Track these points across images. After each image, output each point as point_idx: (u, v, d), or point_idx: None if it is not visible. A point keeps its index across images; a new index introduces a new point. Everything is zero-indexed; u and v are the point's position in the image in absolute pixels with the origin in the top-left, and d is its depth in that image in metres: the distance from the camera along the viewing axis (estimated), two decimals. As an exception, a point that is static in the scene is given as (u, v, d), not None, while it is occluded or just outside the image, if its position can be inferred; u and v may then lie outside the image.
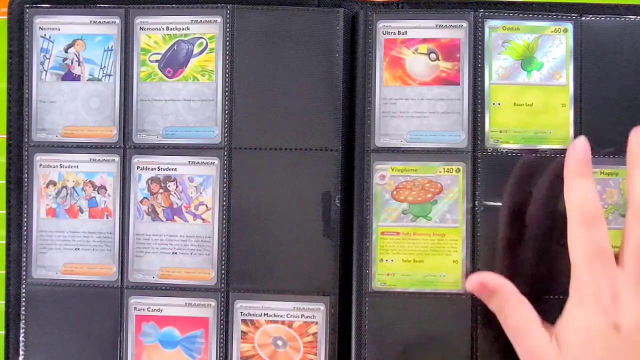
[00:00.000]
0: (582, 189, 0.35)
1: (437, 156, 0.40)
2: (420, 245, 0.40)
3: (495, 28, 0.40)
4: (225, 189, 0.41)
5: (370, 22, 0.41)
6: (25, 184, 0.42)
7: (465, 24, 0.40)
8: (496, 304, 0.37)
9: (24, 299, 0.41)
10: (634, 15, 0.40)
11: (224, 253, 0.41)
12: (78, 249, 0.42)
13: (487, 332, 0.39)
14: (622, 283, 0.33)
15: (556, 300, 0.38)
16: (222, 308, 0.41)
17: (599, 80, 0.40)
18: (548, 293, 0.39)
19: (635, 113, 0.39)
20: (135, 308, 0.41)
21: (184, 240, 0.41)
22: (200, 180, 0.41)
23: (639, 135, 0.36)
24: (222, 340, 0.41)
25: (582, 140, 0.36)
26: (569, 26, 0.40)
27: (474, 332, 0.39)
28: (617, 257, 0.34)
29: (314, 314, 0.40)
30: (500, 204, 0.40)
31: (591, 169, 0.35)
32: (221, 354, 0.41)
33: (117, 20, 0.42)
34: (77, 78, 0.42)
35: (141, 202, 0.41)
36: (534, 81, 0.40)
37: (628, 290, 0.33)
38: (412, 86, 0.40)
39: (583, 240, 0.34)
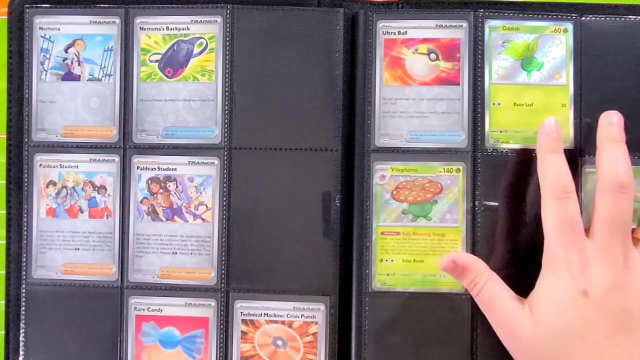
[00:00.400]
0: (553, 164, 0.36)
1: (437, 156, 0.40)
2: (420, 245, 0.40)
3: (495, 28, 0.40)
4: (225, 189, 0.41)
5: (370, 22, 0.41)
6: (25, 184, 0.42)
7: (465, 24, 0.40)
8: (468, 280, 0.38)
9: (24, 299, 0.41)
10: (634, 15, 0.40)
11: (224, 253, 0.41)
12: (78, 249, 0.42)
13: (487, 332, 0.39)
14: (591, 253, 0.35)
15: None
16: (222, 308, 0.41)
17: (599, 80, 0.40)
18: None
19: (635, 113, 0.39)
20: (135, 308, 0.41)
21: (184, 240, 0.41)
22: (200, 180, 0.41)
23: (607, 118, 0.37)
24: (222, 340, 0.41)
25: (552, 120, 0.37)
26: (569, 26, 0.40)
27: (474, 332, 0.39)
28: (587, 231, 0.36)
29: (314, 314, 0.40)
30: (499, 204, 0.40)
31: (562, 146, 0.37)
32: (221, 354, 0.41)
33: (117, 20, 0.42)
34: (77, 78, 0.42)
35: (141, 202, 0.41)
36: (534, 81, 0.40)
37: (596, 260, 0.35)
38: (412, 86, 0.40)
39: (555, 213, 0.36)
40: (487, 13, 0.40)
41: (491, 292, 0.37)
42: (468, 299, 0.39)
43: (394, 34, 0.41)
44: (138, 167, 0.41)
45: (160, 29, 0.41)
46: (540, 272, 0.37)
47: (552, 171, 0.36)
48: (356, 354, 0.40)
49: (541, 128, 0.38)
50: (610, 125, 0.37)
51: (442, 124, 0.40)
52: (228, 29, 0.41)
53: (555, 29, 0.40)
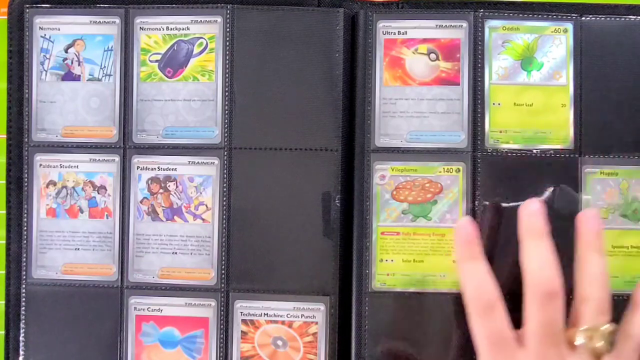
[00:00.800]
0: (473, 275, 0.35)
1: (437, 156, 0.40)
2: (420, 245, 0.40)
3: (495, 28, 0.40)
4: (225, 189, 0.41)
5: (370, 22, 0.41)
6: (25, 184, 0.42)
7: (465, 24, 0.40)
8: None
9: (24, 299, 0.41)
10: (634, 16, 0.40)
11: (224, 253, 0.41)
12: (78, 249, 0.42)
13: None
14: None
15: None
16: (222, 308, 0.41)
17: (599, 80, 0.40)
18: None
19: (634, 113, 0.39)
20: (135, 308, 0.41)
21: (184, 240, 0.41)
22: (200, 180, 0.41)
23: (528, 210, 0.35)
24: (222, 340, 0.41)
25: (466, 221, 0.36)
26: (569, 26, 0.40)
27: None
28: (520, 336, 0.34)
29: (314, 314, 0.40)
30: (503, 204, 0.40)
31: (480, 249, 0.35)
32: (221, 354, 0.41)
33: (117, 20, 0.42)
34: (77, 78, 0.42)
35: (141, 202, 0.41)
36: (534, 81, 0.40)
37: None
38: (412, 86, 0.40)
39: (482, 330, 0.34)
40: (487, 13, 0.40)
41: None
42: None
43: (394, 34, 0.41)
44: (138, 167, 0.41)
45: (160, 29, 0.41)
46: None
47: (472, 283, 0.34)
48: (356, 354, 0.40)
49: (456, 231, 0.36)
50: (531, 216, 0.34)
51: (442, 124, 0.40)
52: (228, 29, 0.41)
53: (555, 29, 0.40)
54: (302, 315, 0.40)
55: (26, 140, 0.42)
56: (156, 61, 0.42)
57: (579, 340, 0.33)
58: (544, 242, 0.34)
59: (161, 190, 0.41)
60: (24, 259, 0.42)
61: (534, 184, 0.39)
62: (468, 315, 0.35)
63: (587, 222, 0.35)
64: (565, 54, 0.40)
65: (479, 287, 0.34)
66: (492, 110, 0.40)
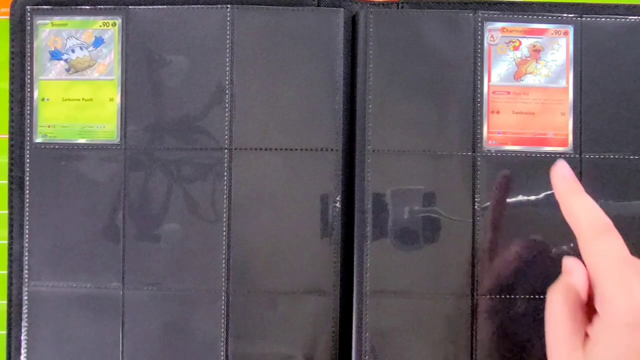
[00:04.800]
0: (581, 204, 0.34)
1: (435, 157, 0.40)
2: None
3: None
4: (225, 189, 0.41)
5: (370, 22, 0.41)
6: (27, 184, 0.42)
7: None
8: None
9: (26, 299, 0.42)
10: (634, 16, 0.40)
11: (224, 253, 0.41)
12: (79, 249, 0.42)
13: (486, 331, 0.39)
14: None
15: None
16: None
17: (599, 83, 0.40)
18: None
19: (635, 116, 0.39)
20: (136, 307, 0.42)
21: (184, 240, 0.41)
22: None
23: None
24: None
25: (562, 162, 0.35)
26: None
27: (474, 332, 0.40)
28: None
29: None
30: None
31: (580, 185, 0.35)
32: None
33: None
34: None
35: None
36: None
37: None
38: (412, 86, 0.40)
39: (604, 251, 0.32)
40: (486, 15, 0.40)
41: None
42: (468, 298, 0.39)
43: (395, 34, 0.41)
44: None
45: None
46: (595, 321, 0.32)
47: (583, 211, 0.33)
48: (356, 354, 0.40)
49: (553, 172, 0.35)
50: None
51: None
52: (228, 29, 0.41)
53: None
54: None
55: (28, 140, 0.42)
56: (156, 61, 0.42)
57: None
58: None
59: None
60: (26, 259, 0.42)
61: (533, 186, 0.39)
62: (583, 246, 0.33)
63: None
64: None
65: (592, 212, 0.33)
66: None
